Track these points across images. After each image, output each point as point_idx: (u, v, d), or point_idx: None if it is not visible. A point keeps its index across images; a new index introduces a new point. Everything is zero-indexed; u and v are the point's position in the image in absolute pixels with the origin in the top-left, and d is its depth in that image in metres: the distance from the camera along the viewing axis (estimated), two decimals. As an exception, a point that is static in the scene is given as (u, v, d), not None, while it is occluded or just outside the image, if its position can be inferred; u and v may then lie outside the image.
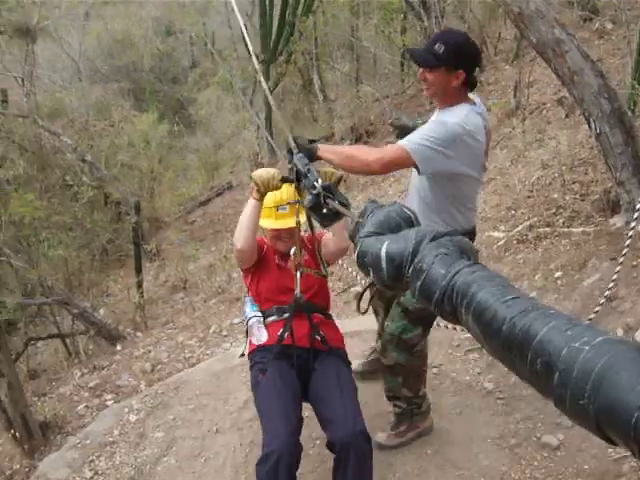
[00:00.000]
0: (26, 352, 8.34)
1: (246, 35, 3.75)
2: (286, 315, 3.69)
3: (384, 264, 1.51)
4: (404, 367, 3.71)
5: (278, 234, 3.78)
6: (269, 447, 3.18)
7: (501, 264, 5.96)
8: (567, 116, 7.94)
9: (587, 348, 1.05)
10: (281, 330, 3.64)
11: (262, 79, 3.58)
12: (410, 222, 1.67)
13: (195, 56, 21.67)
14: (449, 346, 4.95)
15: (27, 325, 9.28)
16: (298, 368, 3.60)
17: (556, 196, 6.47)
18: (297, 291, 3.57)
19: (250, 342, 3.77)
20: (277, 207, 3.71)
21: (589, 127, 5.07)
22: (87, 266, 10.86)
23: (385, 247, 1.53)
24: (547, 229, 5.99)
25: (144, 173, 12.59)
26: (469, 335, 4.26)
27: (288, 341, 3.62)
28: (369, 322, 4.56)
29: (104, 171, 12.12)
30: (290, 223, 3.58)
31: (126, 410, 4.77)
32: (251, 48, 3.65)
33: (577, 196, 6.25)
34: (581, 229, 5.59)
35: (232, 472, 3.91)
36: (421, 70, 3.30)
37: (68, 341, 8.28)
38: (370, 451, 3.32)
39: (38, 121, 11.73)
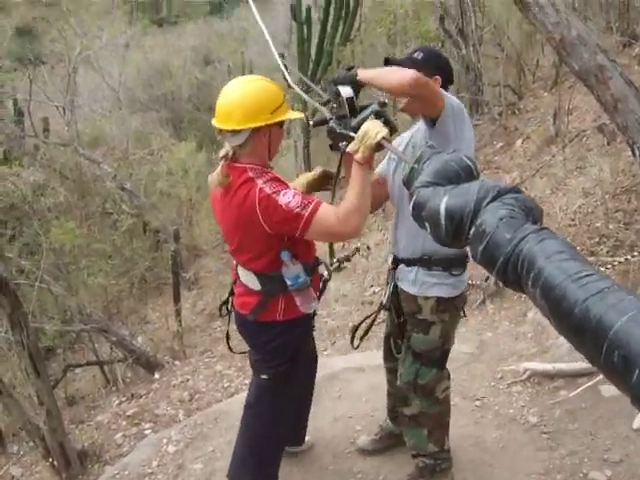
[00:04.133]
0: (64, 379, 8.39)
1: (281, 64, 3.57)
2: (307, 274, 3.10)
3: (443, 221, 1.41)
4: (429, 417, 3.46)
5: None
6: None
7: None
8: (608, 143, 7.84)
9: None
10: (318, 292, 3.28)
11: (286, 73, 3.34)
12: (470, 173, 1.55)
13: (233, 85, 21.84)
14: (492, 378, 4.86)
15: (66, 352, 9.36)
16: None
17: (599, 225, 6.37)
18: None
19: (286, 308, 3.17)
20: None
21: (632, 154, 4.98)
22: (126, 294, 10.94)
23: (445, 202, 1.42)
24: (591, 258, 5.89)
25: (183, 201, 12.70)
26: (513, 367, 4.18)
27: None
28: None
29: (143, 199, 12.25)
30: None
31: (165, 441, 4.73)
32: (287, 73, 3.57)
33: (621, 225, 6.15)
34: (625, 258, 5.48)
35: (271, 505, 3.85)
36: None
37: (106, 368, 8.32)
38: None
39: (79, 149, 11.91)
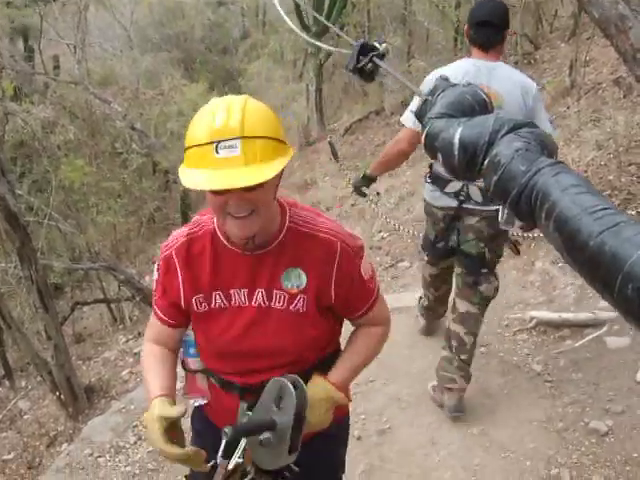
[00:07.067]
0: (72, 316, 8.46)
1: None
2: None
3: (456, 151, 1.38)
4: None
5: (224, 202, 1.75)
6: None
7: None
8: (624, 96, 7.73)
9: None
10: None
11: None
12: (485, 106, 1.52)
13: (246, 27, 21.57)
14: (498, 325, 4.87)
15: (74, 289, 9.43)
16: None
17: (611, 178, 6.31)
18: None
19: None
20: (217, 143, 1.66)
21: (650, 107, 4.92)
22: (134, 233, 10.95)
23: (459, 133, 1.39)
24: (602, 211, 5.85)
25: (193, 142, 12.62)
26: (519, 315, 4.17)
27: None
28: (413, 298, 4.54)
29: (153, 139, 12.18)
30: (252, 176, 1.65)
31: (170, 377, 4.79)
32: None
33: (633, 178, 6.09)
34: (637, 211, 5.45)
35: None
36: None
37: (114, 307, 8.38)
38: None
39: (89, 88, 11.82)
